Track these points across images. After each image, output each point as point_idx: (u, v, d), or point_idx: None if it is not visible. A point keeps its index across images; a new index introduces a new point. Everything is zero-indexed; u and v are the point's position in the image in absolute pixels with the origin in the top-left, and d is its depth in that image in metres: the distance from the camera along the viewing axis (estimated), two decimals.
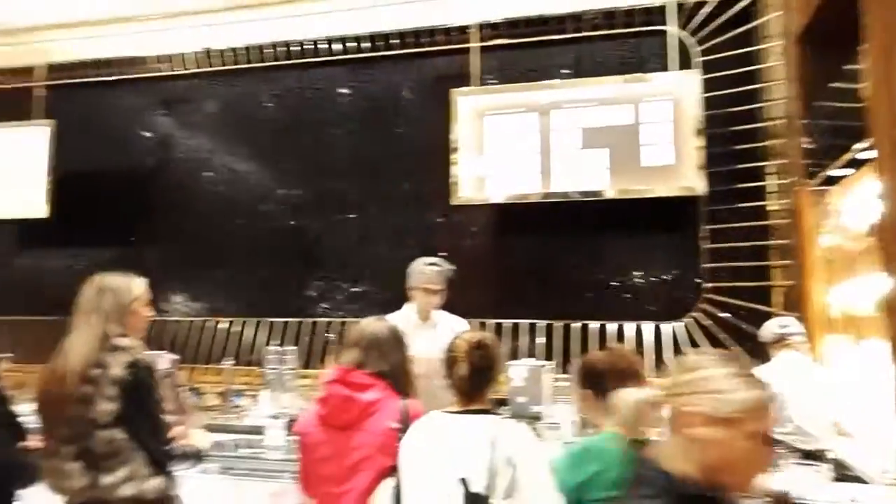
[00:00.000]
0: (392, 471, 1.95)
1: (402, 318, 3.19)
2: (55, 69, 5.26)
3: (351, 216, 4.95)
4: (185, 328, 5.03)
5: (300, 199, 5.05)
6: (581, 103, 4.27)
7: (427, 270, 3.41)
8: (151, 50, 5.12)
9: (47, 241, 5.40)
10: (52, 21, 4.97)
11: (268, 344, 4.69)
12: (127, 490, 2.15)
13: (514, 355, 4.25)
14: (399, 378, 2.11)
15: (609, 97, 4.22)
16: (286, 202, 5.07)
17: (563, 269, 4.48)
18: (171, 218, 5.24)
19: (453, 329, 2.92)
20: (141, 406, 2.19)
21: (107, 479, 2.14)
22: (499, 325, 4.47)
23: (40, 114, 5.12)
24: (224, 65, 5.11)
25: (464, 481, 1.70)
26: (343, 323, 4.80)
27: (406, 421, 1.99)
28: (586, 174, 4.23)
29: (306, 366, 4.64)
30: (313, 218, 5.01)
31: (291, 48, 5.00)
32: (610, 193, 4.19)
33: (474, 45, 4.64)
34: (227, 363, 4.64)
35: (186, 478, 2.41)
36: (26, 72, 5.29)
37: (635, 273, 4.39)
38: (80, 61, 5.24)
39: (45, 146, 4.97)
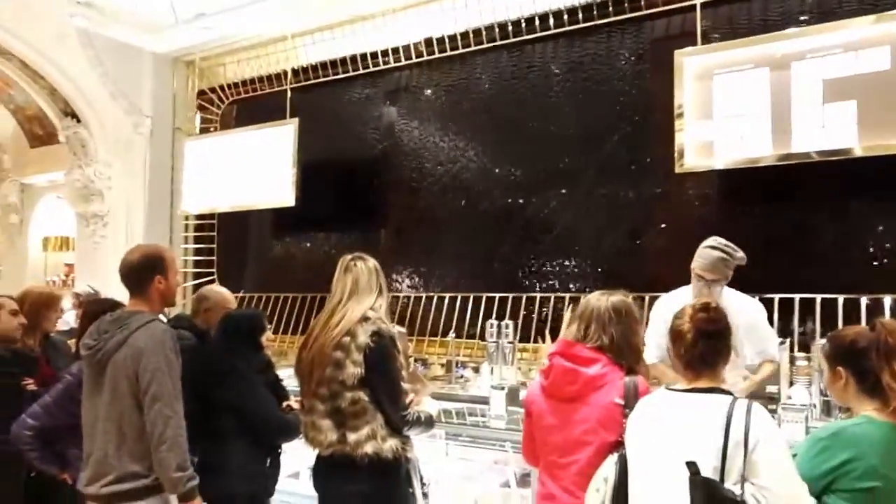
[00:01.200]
0: (615, 447, 1.92)
1: (674, 299, 3.08)
2: (298, 73, 5.86)
3: (569, 191, 4.92)
4: (412, 303, 5.37)
5: (519, 177, 5.12)
6: (822, 52, 3.79)
7: (704, 255, 3.07)
8: (378, 45, 5.48)
9: (295, 227, 6.08)
10: (295, 29, 5.52)
11: (488, 318, 4.86)
12: (368, 448, 2.37)
13: None
14: (623, 353, 2.07)
15: (856, 41, 3.70)
16: (506, 180, 5.18)
17: (802, 240, 4.06)
18: (399, 201, 5.60)
19: (739, 312, 2.65)
20: (382, 371, 2.40)
21: (352, 436, 2.39)
22: None
23: (287, 114, 5.75)
24: (445, 51, 5.31)
25: (692, 465, 1.62)
26: (560, 298, 4.81)
27: (632, 397, 1.95)
28: (829, 131, 3.76)
29: (525, 339, 4.72)
30: (532, 194, 5.06)
31: (506, 29, 5.06)
32: (858, 152, 3.68)
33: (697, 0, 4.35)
34: (451, 336, 4.89)
35: (418, 441, 2.59)
36: (277, 78, 5.96)
37: (889, 241, 3.85)
38: (318, 63, 5.78)
39: (291, 142, 5.57)
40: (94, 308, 2.90)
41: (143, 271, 2.49)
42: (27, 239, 6.84)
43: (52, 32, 5.40)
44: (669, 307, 2.42)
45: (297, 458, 3.45)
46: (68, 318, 4.79)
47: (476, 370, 4.69)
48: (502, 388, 3.02)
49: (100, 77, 5.80)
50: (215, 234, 6.47)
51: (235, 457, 2.71)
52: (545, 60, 5.04)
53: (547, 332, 4.51)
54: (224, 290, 3.25)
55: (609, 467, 1.89)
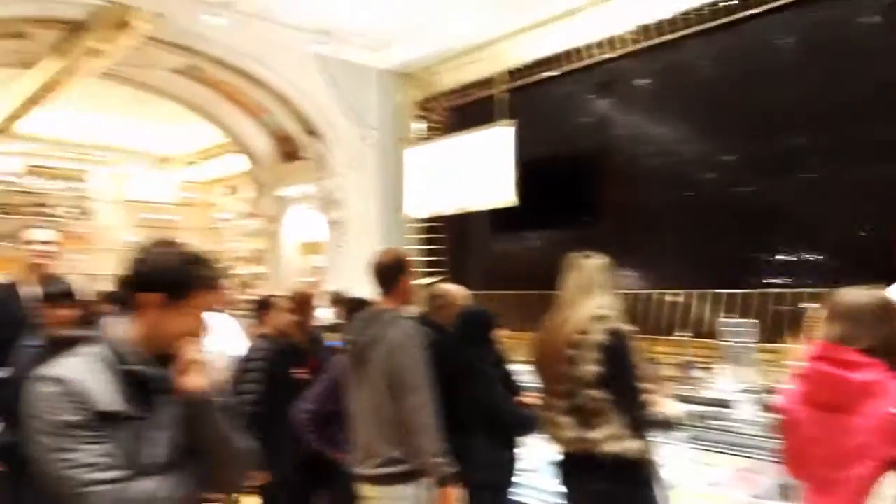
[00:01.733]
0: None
1: None
2: (512, 74, 5.97)
3: (805, 175, 4.44)
4: (637, 300, 5.21)
5: (746, 163, 4.74)
6: None
7: None
8: (589, 37, 5.41)
9: (515, 225, 6.20)
10: (505, 31, 5.63)
11: (719, 316, 4.56)
12: (611, 447, 2.36)
13: None
14: (892, 356, 1.82)
15: None
16: (731, 167, 4.82)
17: None
18: (618, 196, 5.47)
19: None
20: (619, 370, 2.38)
21: (593, 434, 2.39)
22: None
23: (503, 115, 5.88)
24: (660, 36, 5.08)
25: None
26: (800, 294, 4.37)
27: None
28: None
29: (767, 340, 4.36)
30: (760, 181, 4.66)
31: (723, 4, 4.71)
32: None
33: None
34: (682, 335, 4.67)
35: (659, 444, 2.52)
36: (486, 82, 6.13)
37: None
38: (532, 61, 5.84)
39: (510, 143, 5.69)
40: (353, 305, 3.23)
41: (394, 271, 2.71)
42: (285, 245, 7.77)
43: (295, 61, 6.06)
44: None
45: (535, 452, 3.52)
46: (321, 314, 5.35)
47: (709, 370, 4.43)
48: (752, 392, 2.82)
49: (334, 96, 6.39)
50: (442, 235, 6.80)
51: (477, 448, 2.85)
52: (771, 34, 4.58)
53: (796, 332, 4.12)
54: (457, 288, 3.42)
55: (893, 484, 1.68)
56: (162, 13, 4.86)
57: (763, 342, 4.30)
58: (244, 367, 3.48)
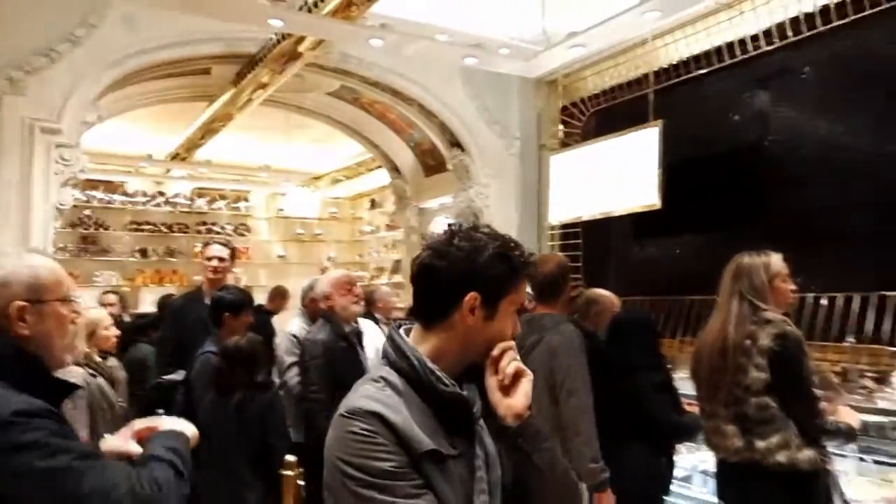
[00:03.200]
0: None
1: None
2: (660, 74, 5.84)
3: None
4: (802, 306, 4.91)
5: None
6: None
7: None
8: (743, 31, 5.19)
9: (659, 229, 6.04)
10: (657, 29, 5.52)
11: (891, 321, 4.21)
12: (780, 457, 2.28)
13: None
14: None
15: None
16: None
17: None
18: (775, 195, 5.20)
19: None
20: (790, 376, 2.29)
21: (761, 444, 2.32)
22: None
23: (649, 117, 5.77)
24: (823, 24, 4.77)
25: None
26: None
27: None
28: None
29: None
30: None
31: None
32: None
33: None
34: (851, 342, 4.36)
35: (836, 455, 2.38)
36: (638, 82, 6.03)
37: None
38: (680, 61, 5.69)
39: (656, 144, 5.57)
40: None
41: (556, 279, 2.76)
42: None
43: (441, 75, 6.29)
44: None
45: (689, 460, 3.44)
46: None
47: (879, 380, 4.10)
48: None
49: (477, 108, 6.56)
50: (580, 241, 6.77)
51: (632, 454, 2.83)
52: None
53: None
54: (611, 294, 3.42)
55: None
56: (327, 41, 5.22)
57: None
58: None
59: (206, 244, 4.20)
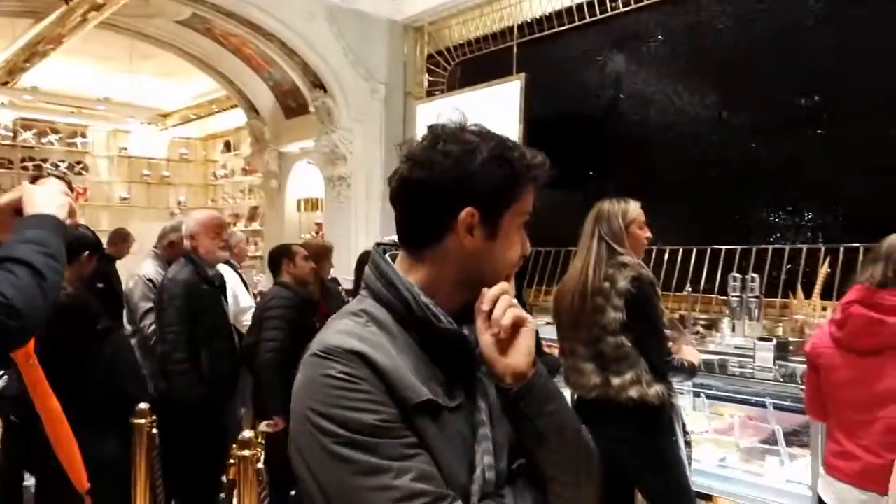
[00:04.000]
0: None
1: None
2: (523, 27, 5.91)
3: (812, 133, 4.49)
4: (645, 256, 5.24)
5: (758, 123, 4.77)
6: None
7: None
8: None
9: None
10: None
11: (724, 273, 4.65)
12: (632, 392, 2.43)
13: None
14: None
15: None
16: (742, 128, 4.86)
17: None
18: (625, 154, 5.50)
19: None
20: (644, 316, 2.43)
21: (616, 380, 2.46)
22: None
23: (512, 70, 5.84)
24: None
25: None
26: (797, 250, 4.46)
27: None
28: None
29: (771, 296, 4.46)
30: (772, 142, 4.70)
31: None
32: None
33: None
34: (687, 290, 4.76)
35: (678, 390, 2.59)
36: (503, 35, 6.06)
37: None
38: (543, 15, 5.78)
39: (518, 97, 5.67)
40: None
41: None
42: (284, 201, 7.74)
43: (302, 11, 5.98)
44: None
45: None
46: None
47: (708, 327, 4.53)
48: (770, 340, 2.90)
49: (342, 49, 6.32)
50: None
51: None
52: None
53: (798, 286, 4.22)
54: None
55: None
56: None
57: (767, 297, 4.42)
58: (262, 315, 3.52)
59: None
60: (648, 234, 2.63)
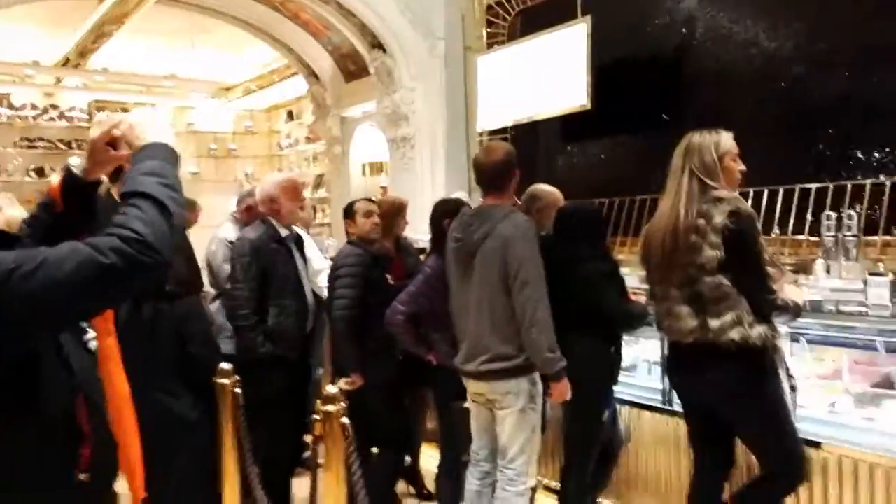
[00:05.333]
0: None
1: None
2: None
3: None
4: None
5: (843, 55, 4.43)
6: None
7: None
8: None
9: (589, 132, 5.99)
10: None
11: (812, 213, 4.37)
12: (733, 334, 2.28)
13: None
14: None
15: None
16: (826, 60, 4.52)
17: None
18: (700, 95, 5.23)
19: None
20: (744, 253, 2.27)
21: (714, 323, 2.31)
22: None
23: (576, 15, 5.58)
24: None
25: None
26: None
27: None
28: None
29: (868, 233, 4.16)
30: (856, 73, 4.36)
31: None
32: None
33: None
34: (774, 232, 4.50)
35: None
36: None
37: None
38: None
39: (584, 43, 5.42)
40: (443, 208, 3.18)
41: (506, 168, 2.62)
42: (349, 166, 7.74)
43: None
44: None
45: (632, 351, 3.49)
46: None
47: (798, 271, 4.27)
48: (884, 275, 2.68)
49: (399, 7, 6.19)
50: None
51: (582, 345, 2.81)
52: None
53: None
54: (554, 189, 3.32)
55: None
56: None
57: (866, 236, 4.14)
58: (335, 273, 3.50)
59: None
60: (742, 167, 2.45)
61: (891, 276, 2.66)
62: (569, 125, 6.11)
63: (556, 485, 3.09)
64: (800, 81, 4.67)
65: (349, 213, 3.46)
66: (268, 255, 3.27)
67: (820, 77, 4.56)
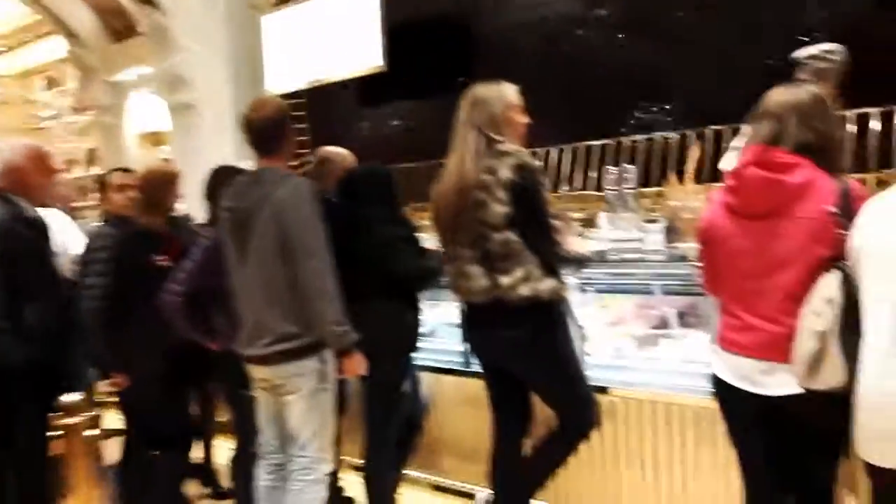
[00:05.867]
0: (829, 263, 1.68)
1: None
2: None
3: (676, 33, 4.48)
4: None
5: (617, 21, 4.68)
6: None
7: None
8: None
9: (388, 95, 5.84)
10: None
11: (593, 169, 4.62)
12: (524, 290, 2.24)
13: None
14: (828, 153, 1.77)
15: None
16: (605, 25, 4.75)
17: None
18: (494, 57, 5.28)
19: None
20: (531, 207, 2.22)
21: (505, 280, 2.25)
22: None
23: None
24: None
25: None
26: (669, 142, 4.49)
27: (847, 204, 1.68)
28: None
29: (644, 185, 4.46)
30: (635, 37, 4.64)
31: None
32: None
33: None
34: (563, 189, 4.69)
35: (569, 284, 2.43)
36: None
37: None
38: None
39: (377, 3, 5.22)
40: (218, 176, 2.83)
41: (279, 125, 2.35)
42: (123, 138, 6.92)
43: None
44: None
45: (431, 315, 3.41)
46: None
47: (586, 224, 4.49)
48: (657, 222, 2.81)
49: None
50: (303, 113, 6.30)
51: (379, 313, 2.65)
52: None
53: (671, 173, 4.23)
54: (346, 151, 3.09)
55: (831, 286, 1.64)
56: None
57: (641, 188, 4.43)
58: (84, 259, 3.01)
59: None
60: (526, 120, 2.40)
61: (664, 223, 2.79)
62: (367, 88, 5.93)
63: (362, 462, 2.94)
64: (584, 43, 4.87)
65: (102, 186, 2.98)
66: (16, 240, 2.69)
67: (600, 41, 4.79)
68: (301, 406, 2.38)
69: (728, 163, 3.20)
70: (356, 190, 2.72)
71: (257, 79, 6.10)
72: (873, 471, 1.62)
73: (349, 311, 2.36)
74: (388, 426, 2.74)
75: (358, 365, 2.40)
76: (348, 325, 2.32)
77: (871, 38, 4.22)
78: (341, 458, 3.16)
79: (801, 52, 3.22)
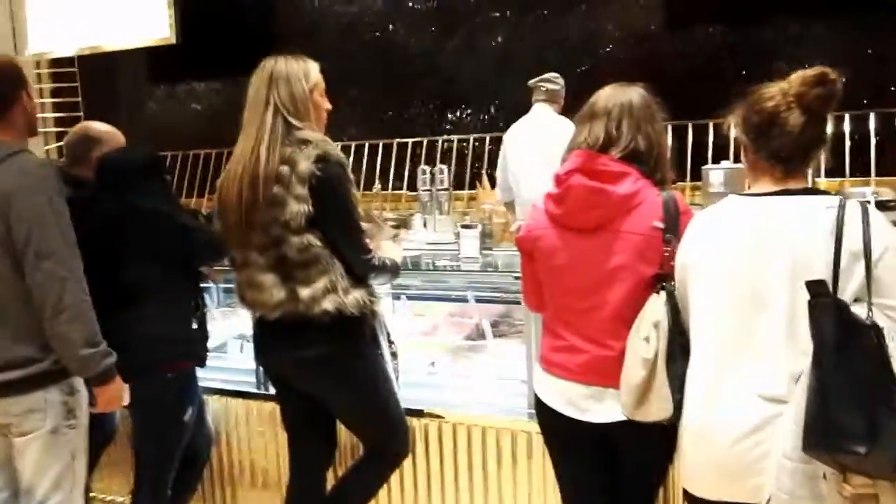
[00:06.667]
0: (656, 282, 1.56)
1: None
2: None
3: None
4: None
5: (424, 18, 4.55)
6: None
7: None
8: None
9: (181, 72, 5.21)
10: None
11: (402, 168, 4.45)
12: (327, 304, 1.92)
13: None
14: (656, 161, 1.65)
15: None
16: (413, 18, 4.59)
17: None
18: (295, 43, 4.87)
19: None
20: (336, 205, 1.91)
21: (305, 292, 1.92)
22: None
23: None
24: None
25: (818, 284, 1.23)
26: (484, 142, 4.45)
27: (673, 218, 1.56)
28: None
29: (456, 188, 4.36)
30: (449, 32, 4.53)
31: None
32: None
33: None
34: (375, 188, 4.43)
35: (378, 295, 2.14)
36: None
37: None
38: None
39: None
40: None
41: (7, 84, 1.80)
42: None
43: None
44: None
45: (221, 327, 2.97)
46: None
47: (399, 225, 4.29)
48: (474, 227, 2.61)
49: None
50: (78, 84, 5.44)
51: (149, 323, 2.18)
52: None
53: (484, 176, 4.15)
54: (114, 129, 2.51)
55: (657, 309, 1.51)
56: None
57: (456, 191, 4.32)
58: None
59: None
60: (329, 106, 2.07)
61: (479, 227, 2.62)
62: (156, 63, 5.23)
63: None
64: (396, 38, 4.67)
65: None
66: None
67: (413, 36, 4.60)
68: (37, 448, 1.85)
69: None
70: (118, 175, 2.22)
71: (18, 43, 5.15)
72: (694, 502, 1.52)
73: (112, 323, 1.89)
74: (163, 467, 2.28)
75: (115, 396, 1.92)
76: (103, 345, 1.84)
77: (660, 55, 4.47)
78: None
79: (535, 79, 3.71)
